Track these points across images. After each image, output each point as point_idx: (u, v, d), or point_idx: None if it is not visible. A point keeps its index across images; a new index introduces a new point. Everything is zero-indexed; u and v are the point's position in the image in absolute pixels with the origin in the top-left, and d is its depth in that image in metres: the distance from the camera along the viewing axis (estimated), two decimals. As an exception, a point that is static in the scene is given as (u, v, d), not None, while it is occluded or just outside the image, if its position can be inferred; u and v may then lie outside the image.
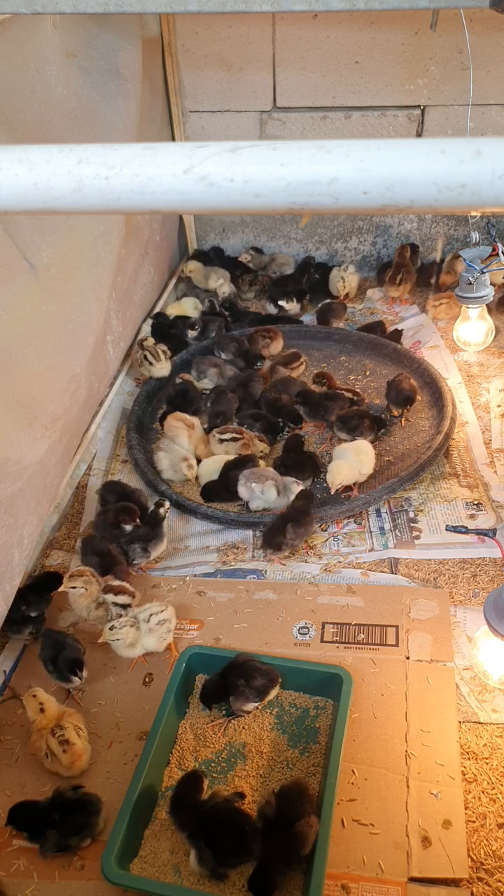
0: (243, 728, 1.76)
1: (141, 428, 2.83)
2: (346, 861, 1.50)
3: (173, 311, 3.45)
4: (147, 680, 1.91)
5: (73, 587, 1.97)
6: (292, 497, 2.31)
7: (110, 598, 1.98)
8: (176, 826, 1.53)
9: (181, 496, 2.46)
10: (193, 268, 3.66)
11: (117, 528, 2.21)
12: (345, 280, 3.57)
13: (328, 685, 1.79)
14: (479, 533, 1.89)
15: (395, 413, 2.72)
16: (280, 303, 3.47)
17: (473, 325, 3.07)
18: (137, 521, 2.23)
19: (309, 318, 3.53)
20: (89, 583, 1.98)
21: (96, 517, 2.33)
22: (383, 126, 3.54)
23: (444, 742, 1.68)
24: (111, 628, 1.87)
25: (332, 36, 3.33)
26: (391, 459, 2.58)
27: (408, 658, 1.88)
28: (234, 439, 2.58)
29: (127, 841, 1.51)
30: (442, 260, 3.61)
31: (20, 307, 2.12)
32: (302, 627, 1.99)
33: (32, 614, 2.00)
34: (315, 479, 2.49)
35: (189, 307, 3.45)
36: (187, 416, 2.69)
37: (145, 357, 2.99)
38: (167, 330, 3.29)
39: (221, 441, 2.59)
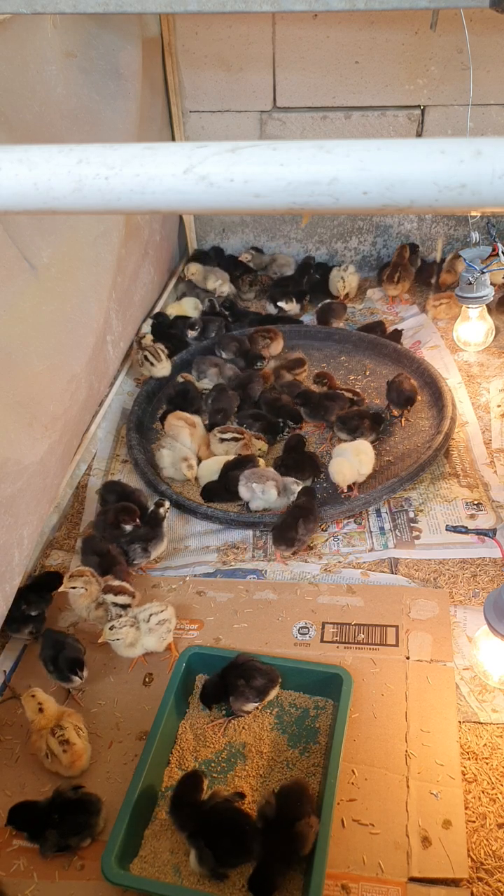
0: (243, 728, 1.76)
1: (141, 428, 2.83)
2: (346, 861, 1.50)
3: (173, 311, 3.45)
4: (147, 680, 1.91)
5: (73, 587, 1.97)
6: (293, 497, 2.31)
7: (110, 598, 1.98)
8: (176, 826, 1.53)
9: (181, 496, 2.46)
10: (195, 270, 3.66)
11: (117, 528, 2.21)
12: (345, 280, 3.57)
13: (328, 685, 1.78)
14: (479, 533, 1.89)
15: (395, 413, 2.72)
16: (280, 303, 3.47)
17: (473, 325, 3.07)
18: (137, 521, 2.23)
19: (309, 318, 3.53)
20: (89, 583, 1.98)
21: (96, 517, 2.33)
22: (383, 126, 3.54)
23: (444, 742, 1.68)
24: (111, 628, 1.87)
25: (332, 36, 3.33)
26: (391, 459, 2.58)
27: (408, 658, 1.88)
28: (234, 439, 2.58)
29: (127, 841, 1.51)
30: (442, 260, 3.62)
31: (20, 307, 2.12)
32: (302, 627, 1.99)
33: (32, 613, 2.00)
34: (315, 479, 2.49)
35: (189, 307, 3.45)
36: (189, 415, 2.69)
37: (146, 357, 2.99)
38: (167, 330, 3.29)
39: (222, 441, 2.59)
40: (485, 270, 2.86)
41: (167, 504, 2.28)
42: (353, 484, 2.41)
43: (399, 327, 3.33)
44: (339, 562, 2.21)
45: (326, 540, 2.30)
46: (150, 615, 1.90)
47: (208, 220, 3.96)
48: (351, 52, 3.35)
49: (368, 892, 1.45)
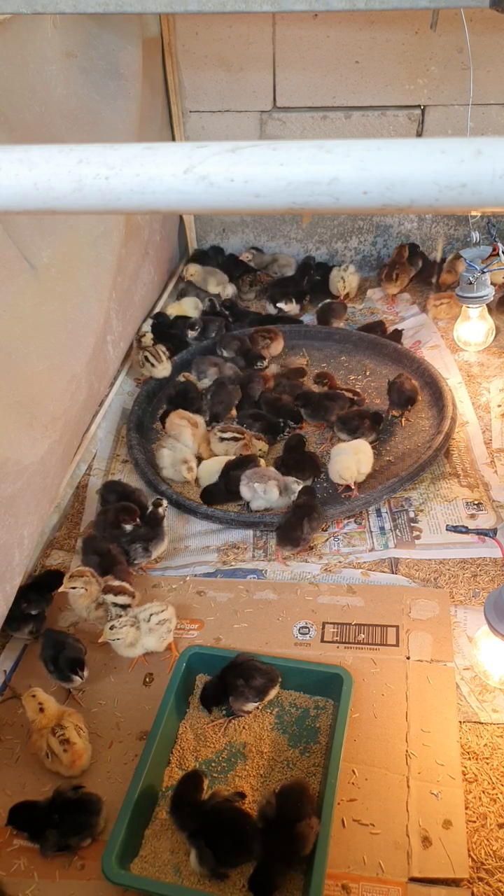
0: (243, 728, 1.76)
1: (141, 428, 2.83)
2: (347, 861, 1.50)
3: (173, 311, 3.45)
4: (147, 680, 1.91)
5: (73, 587, 1.97)
6: (294, 497, 2.31)
7: (110, 598, 1.98)
8: (176, 826, 1.53)
9: (181, 496, 2.46)
10: (194, 271, 3.66)
11: (118, 527, 2.21)
12: (345, 280, 3.57)
13: (328, 685, 1.78)
14: (480, 533, 1.89)
15: (396, 414, 2.72)
16: (279, 304, 3.47)
17: (474, 325, 3.07)
18: (138, 520, 2.23)
19: (309, 318, 3.53)
20: (89, 583, 1.98)
21: (97, 517, 2.33)
22: (383, 126, 3.54)
23: (445, 742, 1.68)
24: (111, 628, 1.87)
25: (332, 36, 3.33)
26: (391, 459, 2.58)
27: (408, 658, 1.88)
28: (234, 439, 2.58)
29: (127, 841, 1.51)
30: (443, 260, 3.62)
31: (20, 307, 2.12)
32: (302, 627, 1.99)
33: (33, 612, 2.00)
34: (315, 479, 2.49)
35: (189, 307, 3.45)
36: (190, 415, 2.69)
37: (146, 358, 2.99)
38: (167, 330, 3.28)
39: (222, 440, 2.59)
40: (485, 270, 2.86)
41: (165, 503, 2.28)
42: (354, 483, 2.41)
43: (399, 327, 3.33)
44: (340, 562, 2.21)
45: (327, 540, 2.30)
46: (151, 615, 1.90)
47: (208, 220, 3.96)
48: (351, 52, 3.35)
49: (369, 892, 1.45)
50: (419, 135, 3.56)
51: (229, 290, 3.62)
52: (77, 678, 1.83)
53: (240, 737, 1.74)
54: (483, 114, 3.41)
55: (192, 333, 3.28)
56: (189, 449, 2.59)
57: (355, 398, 2.77)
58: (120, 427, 2.89)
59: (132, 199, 0.76)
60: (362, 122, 3.55)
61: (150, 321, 3.31)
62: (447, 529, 2.04)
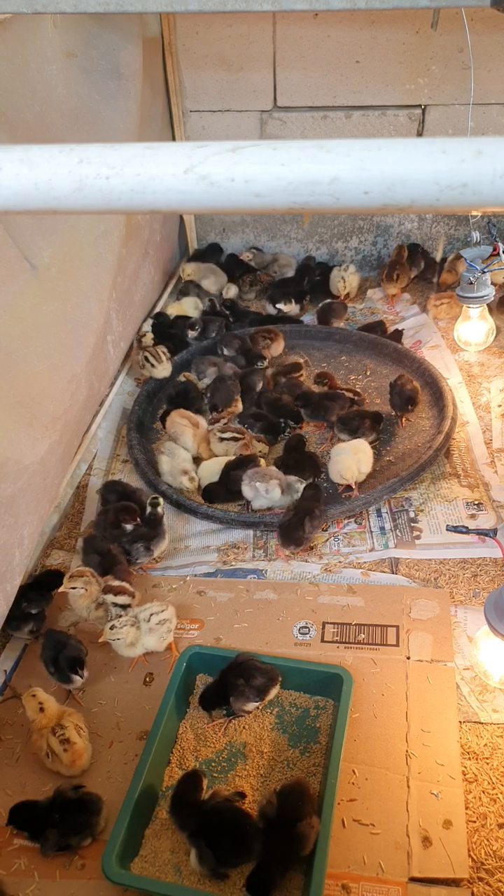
0: (244, 728, 1.76)
1: (141, 428, 2.83)
2: (347, 861, 1.50)
3: (173, 311, 3.45)
4: (147, 679, 1.91)
5: (73, 588, 1.97)
6: (296, 496, 2.31)
7: (110, 598, 1.98)
8: (176, 826, 1.53)
9: (181, 496, 2.46)
10: (190, 271, 3.66)
11: (118, 527, 2.21)
12: (345, 280, 3.57)
13: (329, 685, 1.78)
14: (480, 533, 1.89)
15: (403, 418, 2.72)
16: (279, 305, 3.47)
17: (474, 325, 3.07)
18: (138, 520, 2.23)
19: (309, 318, 3.53)
20: (89, 583, 1.98)
21: (97, 517, 2.33)
22: (384, 126, 3.54)
23: (445, 742, 1.68)
24: (111, 628, 1.87)
25: (332, 35, 3.33)
26: (392, 459, 2.58)
27: (408, 658, 1.88)
28: (234, 439, 2.58)
29: (127, 840, 1.51)
30: (443, 259, 3.62)
31: (20, 307, 2.12)
32: (302, 627, 1.99)
33: (33, 611, 2.00)
34: (315, 479, 2.49)
35: (189, 307, 3.45)
36: (192, 414, 2.69)
37: (146, 359, 2.99)
38: (167, 330, 3.28)
39: (222, 440, 2.59)
40: (486, 270, 2.86)
41: (161, 501, 2.28)
42: (354, 483, 2.41)
43: (400, 327, 3.33)
44: (340, 562, 2.21)
45: (327, 540, 2.30)
46: (151, 615, 1.90)
47: (209, 219, 3.96)
48: (352, 52, 3.35)
49: (369, 891, 1.45)
50: (420, 134, 3.56)
51: (232, 291, 3.62)
52: (77, 677, 1.83)
53: (240, 737, 1.74)
54: (484, 113, 3.41)
55: (192, 333, 3.28)
56: (188, 452, 2.58)
57: (355, 398, 2.77)
58: (120, 427, 2.89)
59: (133, 199, 0.76)
60: (363, 122, 3.55)
61: (150, 321, 3.31)
62: (447, 529, 2.04)
